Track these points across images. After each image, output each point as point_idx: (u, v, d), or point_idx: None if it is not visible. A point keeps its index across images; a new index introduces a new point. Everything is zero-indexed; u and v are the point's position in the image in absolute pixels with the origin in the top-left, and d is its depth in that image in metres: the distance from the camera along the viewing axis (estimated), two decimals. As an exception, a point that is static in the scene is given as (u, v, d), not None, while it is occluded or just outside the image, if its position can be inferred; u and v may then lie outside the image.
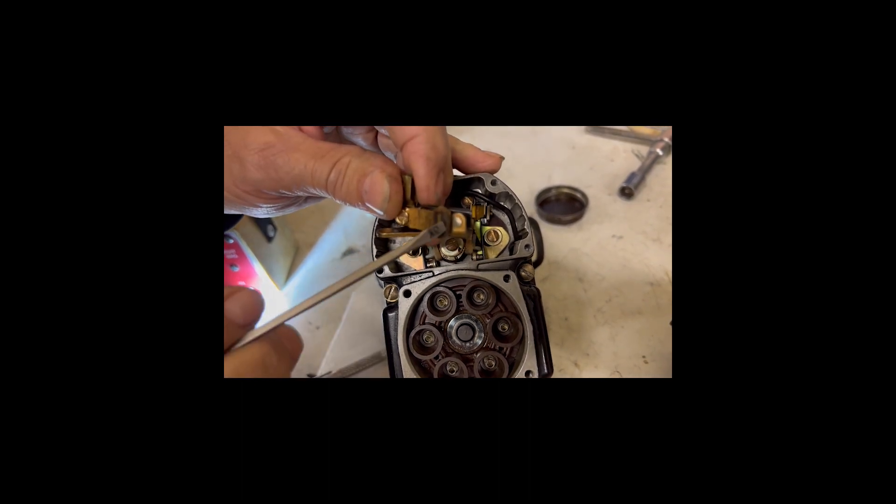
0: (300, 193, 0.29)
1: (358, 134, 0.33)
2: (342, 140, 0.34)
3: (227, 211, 0.32)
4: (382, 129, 0.32)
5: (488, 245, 0.35)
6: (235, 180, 0.28)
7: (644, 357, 0.52)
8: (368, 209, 0.26)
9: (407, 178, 0.27)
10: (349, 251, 0.72)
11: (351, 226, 0.76)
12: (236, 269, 0.62)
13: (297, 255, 0.73)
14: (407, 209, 0.26)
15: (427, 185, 0.25)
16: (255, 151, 0.27)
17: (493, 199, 0.35)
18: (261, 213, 0.31)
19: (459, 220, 0.28)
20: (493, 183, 0.34)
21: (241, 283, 0.64)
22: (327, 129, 0.31)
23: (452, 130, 1.03)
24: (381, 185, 0.25)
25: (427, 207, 0.27)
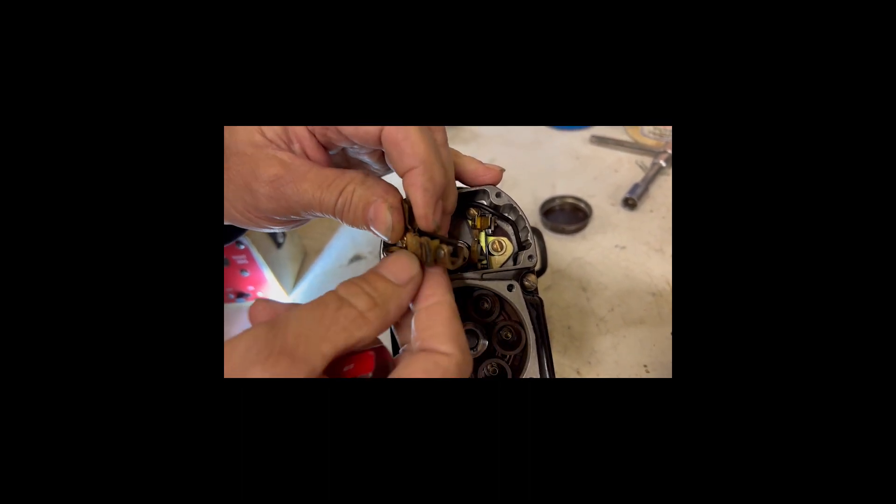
0: (308, 217, 0.30)
1: (364, 153, 0.34)
2: (349, 158, 0.35)
3: (234, 224, 0.33)
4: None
5: (492, 255, 0.36)
6: (248, 208, 0.29)
7: (645, 366, 0.52)
8: (373, 233, 0.27)
9: (406, 204, 0.28)
10: (356, 258, 0.73)
11: (358, 233, 0.78)
12: (246, 274, 0.63)
13: (304, 261, 0.74)
14: (407, 235, 0.28)
15: (425, 213, 0.26)
16: (265, 183, 0.28)
17: (497, 211, 0.36)
18: (270, 231, 0.33)
19: (444, 251, 0.29)
20: (498, 195, 0.35)
21: (251, 287, 0.65)
22: (333, 150, 0.31)
23: (460, 133, 1.02)
24: (383, 214, 0.26)
25: (424, 234, 0.29)
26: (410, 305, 0.26)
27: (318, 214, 0.29)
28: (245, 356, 0.19)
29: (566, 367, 0.53)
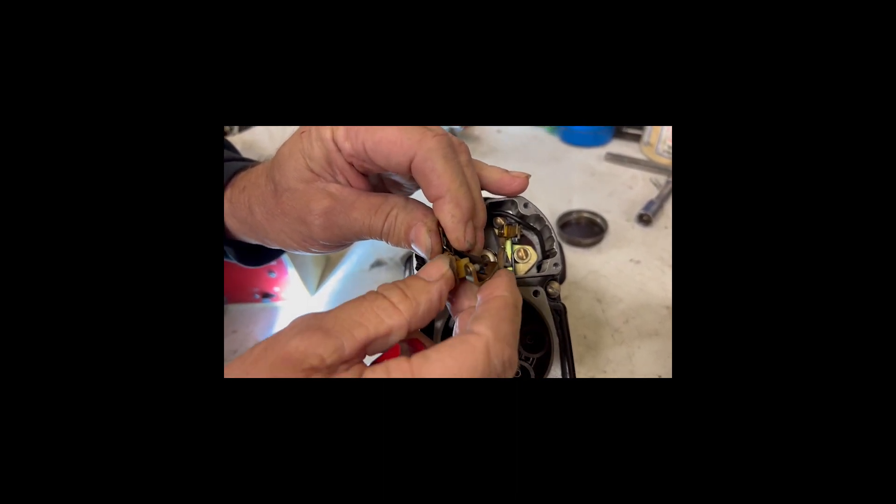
0: (357, 241, 0.33)
1: (397, 175, 0.37)
2: (384, 180, 0.38)
3: (288, 250, 0.36)
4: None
5: (517, 262, 0.38)
6: (303, 238, 0.32)
7: (659, 377, 0.53)
8: (415, 251, 0.31)
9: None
10: (377, 263, 0.75)
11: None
12: (273, 275, 0.66)
13: (327, 265, 0.77)
14: (451, 257, 0.31)
15: (456, 237, 0.29)
16: (318, 215, 0.31)
17: (523, 220, 0.38)
18: (322, 254, 0.36)
19: (471, 268, 0.32)
20: (526, 206, 0.37)
21: (276, 288, 0.68)
22: (371, 176, 0.34)
23: (478, 147, 1.05)
24: (423, 237, 0.29)
25: (458, 251, 0.31)
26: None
27: (367, 237, 0.32)
28: (290, 330, 0.23)
29: (581, 375, 0.54)
